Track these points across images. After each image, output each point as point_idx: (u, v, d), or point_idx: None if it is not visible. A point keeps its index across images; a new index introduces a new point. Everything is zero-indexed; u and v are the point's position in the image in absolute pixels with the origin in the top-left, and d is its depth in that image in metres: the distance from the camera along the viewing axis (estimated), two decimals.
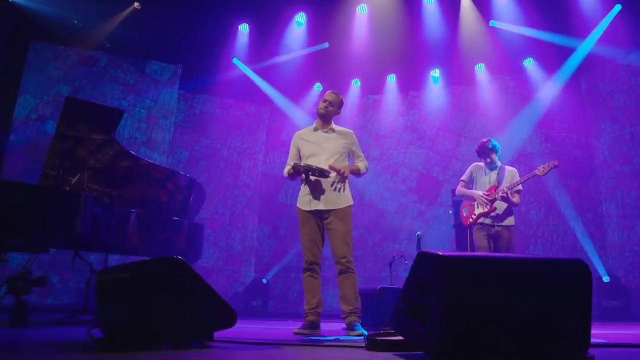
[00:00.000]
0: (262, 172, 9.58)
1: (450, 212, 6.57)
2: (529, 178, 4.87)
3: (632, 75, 7.67)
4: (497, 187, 4.92)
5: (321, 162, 3.91)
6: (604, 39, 7.52)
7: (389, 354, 2.31)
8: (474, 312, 1.86)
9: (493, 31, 7.92)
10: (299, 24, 8.10)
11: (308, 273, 3.93)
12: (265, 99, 9.38)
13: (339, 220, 3.89)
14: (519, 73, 8.66)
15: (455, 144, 9.01)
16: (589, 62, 7.90)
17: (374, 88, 9.39)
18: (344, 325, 4.82)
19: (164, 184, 5.75)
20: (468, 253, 2.03)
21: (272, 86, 9.13)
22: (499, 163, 5.08)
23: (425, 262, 2.06)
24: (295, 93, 9.35)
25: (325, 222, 3.92)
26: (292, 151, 4.13)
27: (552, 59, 8.12)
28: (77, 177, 4.78)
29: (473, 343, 1.85)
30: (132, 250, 5.22)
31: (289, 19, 7.97)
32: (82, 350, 2.45)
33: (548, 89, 8.33)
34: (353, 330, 3.75)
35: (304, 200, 3.95)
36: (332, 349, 2.52)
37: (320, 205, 3.90)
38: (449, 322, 1.85)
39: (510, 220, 4.92)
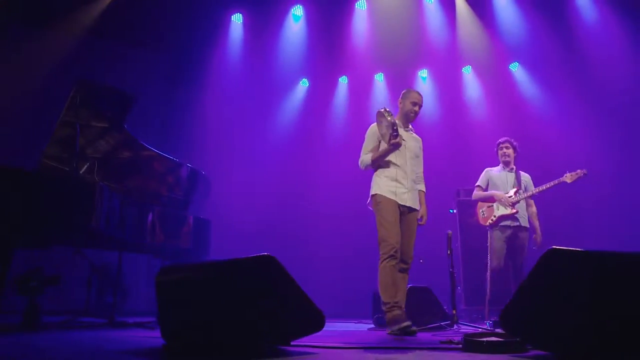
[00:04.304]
0: (253, 166, 9.25)
1: (452, 211, 6.54)
2: (555, 185, 4.84)
3: (624, 75, 7.85)
4: (519, 190, 4.93)
5: (405, 160, 3.89)
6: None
7: (493, 356, 2.19)
8: (625, 314, 1.77)
9: (483, 33, 7.99)
10: (295, 18, 7.85)
11: (393, 262, 3.53)
12: (253, 93, 9.07)
13: (416, 222, 3.88)
14: (506, 75, 8.77)
15: (442, 146, 9.02)
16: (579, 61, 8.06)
17: (361, 86, 9.26)
18: (370, 325, 4.75)
19: (165, 177, 5.42)
20: (613, 252, 1.94)
21: (259, 79, 8.82)
22: (514, 165, 5.11)
23: (559, 259, 1.95)
24: (281, 88, 9.10)
25: (406, 219, 3.80)
26: (372, 143, 3.99)
27: (538, 60, 8.26)
28: (85, 167, 4.40)
29: (625, 347, 1.76)
30: (138, 247, 4.86)
31: (285, 11, 7.72)
32: (155, 356, 2.21)
33: (535, 90, 8.47)
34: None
35: (398, 192, 3.76)
36: (428, 351, 2.39)
37: (411, 203, 3.82)
38: (599, 324, 1.76)
39: (525, 221, 4.95)
